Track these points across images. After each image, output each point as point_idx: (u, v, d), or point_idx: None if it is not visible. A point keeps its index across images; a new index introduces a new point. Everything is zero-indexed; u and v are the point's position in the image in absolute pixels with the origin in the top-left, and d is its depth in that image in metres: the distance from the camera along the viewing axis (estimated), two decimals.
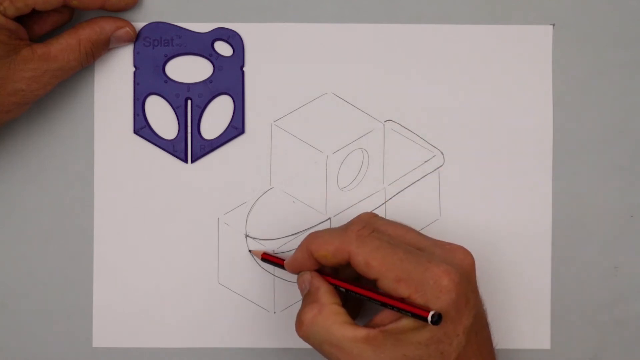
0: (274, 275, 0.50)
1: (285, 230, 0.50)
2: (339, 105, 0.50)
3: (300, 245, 0.44)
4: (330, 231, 0.44)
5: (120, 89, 0.50)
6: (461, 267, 0.42)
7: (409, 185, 0.50)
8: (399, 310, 0.40)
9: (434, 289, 0.40)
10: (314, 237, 0.44)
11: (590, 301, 0.50)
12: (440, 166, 0.50)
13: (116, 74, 0.50)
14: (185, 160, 0.49)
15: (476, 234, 0.50)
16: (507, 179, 0.50)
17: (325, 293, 0.43)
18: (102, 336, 0.50)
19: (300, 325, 0.43)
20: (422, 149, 0.50)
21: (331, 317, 0.42)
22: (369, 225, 0.43)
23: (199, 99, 0.49)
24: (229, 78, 0.49)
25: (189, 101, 0.49)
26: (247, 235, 0.50)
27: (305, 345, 0.50)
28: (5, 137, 0.50)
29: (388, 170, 0.50)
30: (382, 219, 0.45)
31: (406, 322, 0.40)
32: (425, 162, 0.50)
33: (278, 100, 0.50)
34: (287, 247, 0.50)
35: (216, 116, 0.50)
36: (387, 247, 0.41)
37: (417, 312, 0.39)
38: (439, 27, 0.50)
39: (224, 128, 0.49)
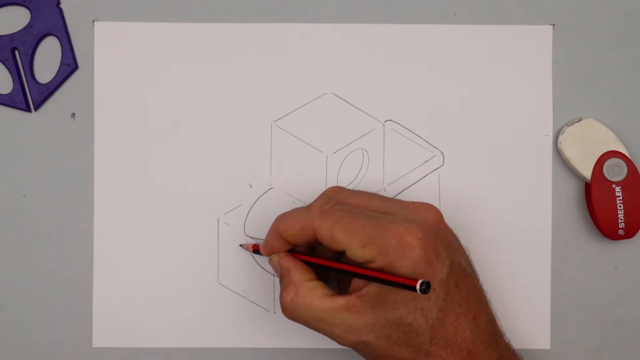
0: (274, 275, 0.50)
1: None
2: (339, 105, 0.50)
3: (270, 228, 0.45)
4: (295, 211, 0.44)
5: (120, 89, 0.50)
6: (425, 222, 0.42)
7: (409, 186, 0.50)
8: (384, 281, 0.40)
9: (397, 249, 0.40)
10: (281, 218, 0.44)
11: (590, 301, 0.50)
12: (440, 166, 0.50)
13: (116, 74, 0.50)
14: (28, 109, 0.50)
15: (476, 234, 0.50)
16: (507, 179, 0.50)
17: (296, 272, 0.44)
18: (102, 336, 0.50)
19: (283, 310, 0.44)
20: (422, 149, 0.50)
21: (308, 294, 0.43)
22: (332, 199, 0.44)
23: (24, 47, 0.50)
24: (48, 18, 0.50)
25: (15, 51, 0.50)
26: (247, 235, 0.50)
27: (305, 345, 0.50)
28: (6, 137, 0.50)
29: (388, 170, 0.50)
30: (347, 190, 0.45)
31: (377, 284, 0.41)
32: (425, 162, 0.50)
33: (278, 100, 0.50)
34: None
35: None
36: (348, 217, 0.42)
37: (404, 282, 0.39)
38: (439, 27, 0.50)
39: (56, 69, 0.50)
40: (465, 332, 0.42)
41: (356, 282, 0.42)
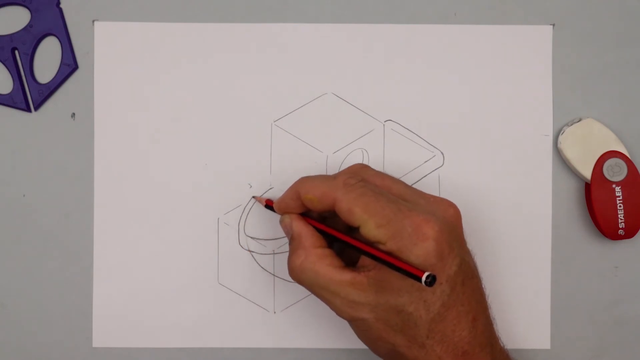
0: (274, 275, 0.50)
1: None
2: (339, 105, 0.50)
3: (290, 187, 0.45)
4: (320, 177, 0.44)
5: (120, 89, 0.50)
6: (444, 217, 0.43)
7: None
8: (391, 265, 0.40)
9: (412, 237, 0.40)
10: (304, 180, 0.45)
11: (590, 301, 0.50)
12: (440, 166, 0.50)
13: (116, 74, 0.50)
14: (28, 109, 0.50)
15: (476, 234, 0.50)
16: (507, 179, 0.50)
17: (308, 237, 0.44)
18: (102, 336, 0.50)
19: (291, 272, 0.44)
20: (422, 149, 0.50)
21: (317, 261, 0.43)
22: (358, 175, 0.44)
23: (24, 46, 0.50)
24: (48, 18, 0.50)
25: (15, 51, 0.50)
26: (247, 235, 0.50)
27: (305, 345, 0.50)
28: (6, 137, 0.50)
29: (388, 170, 0.50)
30: (372, 170, 0.45)
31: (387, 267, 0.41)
32: (425, 162, 0.50)
33: (278, 100, 0.50)
34: (287, 247, 0.50)
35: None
36: (370, 195, 0.42)
37: (411, 271, 0.39)
38: (439, 27, 0.50)
39: (56, 69, 0.50)
40: (463, 332, 0.42)
41: (364, 260, 0.43)
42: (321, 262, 0.43)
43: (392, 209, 0.41)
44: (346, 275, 0.42)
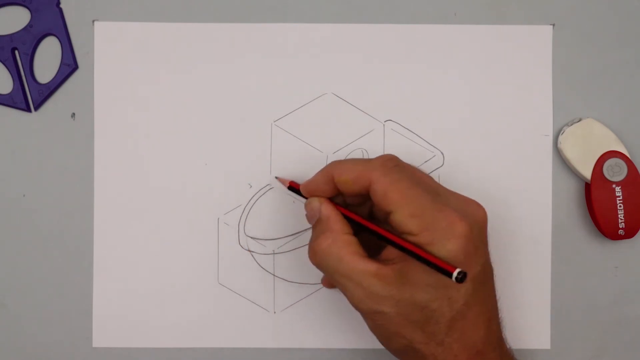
0: (274, 275, 0.50)
1: (285, 231, 0.50)
2: (339, 105, 0.50)
3: (321, 170, 0.44)
4: (354, 159, 0.44)
5: (120, 89, 0.50)
6: (474, 217, 0.42)
7: None
8: (421, 259, 0.40)
9: (446, 231, 0.40)
10: (337, 163, 0.44)
11: (590, 301, 0.50)
12: (440, 166, 0.50)
13: (116, 74, 0.50)
14: (28, 109, 0.50)
15: None
16: (507, 179, 0.50)
17: (337, 222, 0.43)
18: (102, 336, 0.50)
19: (313, 254, 0.43)
20: (422, 149, 0.50)
21: (344, 247, 0.42)
22: (394, 159, 0.43)
23: (24, 47, 0.50)
24: (48, 18, 0.50)
25: (15, 51, 0.50)
26: (247, 235, 0.50)
27: (305, 345, 0.50)
28: (6, 137, 0.50)
29: None
30: (403, 161, 0.44)
31: (415, 262, 0.40)
32: (425, 162, 0.50)
33: (278, 100, 0.50)
34: (287, 247, 0.50)
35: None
36: (408, 181, 0.41)
37: (443, 266, 0.39)
38: (439, 27, 0.50)
39: (56, 69, 0.50)
40: (480, 331, 0.41)
41: (389, 252, 0.42)
42: (347, 249, 0.42)
43: (427, 199, 0.41)
44: (371, 266, 0.41)
